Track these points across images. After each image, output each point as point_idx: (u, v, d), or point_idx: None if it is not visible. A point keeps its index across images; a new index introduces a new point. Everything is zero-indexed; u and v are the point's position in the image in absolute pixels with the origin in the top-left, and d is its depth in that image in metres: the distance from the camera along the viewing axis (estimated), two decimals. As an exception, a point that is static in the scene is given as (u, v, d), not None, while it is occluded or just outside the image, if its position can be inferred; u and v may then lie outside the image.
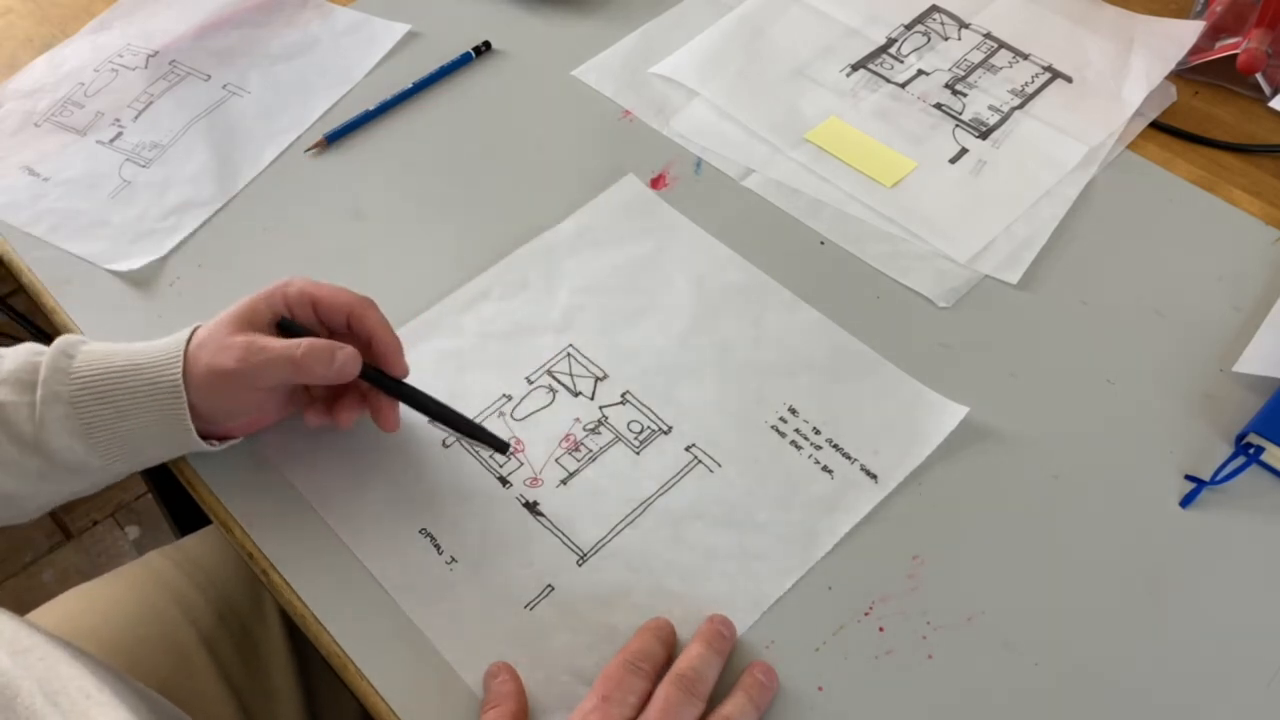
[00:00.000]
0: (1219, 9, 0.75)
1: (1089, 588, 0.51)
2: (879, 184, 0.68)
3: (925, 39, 0.78)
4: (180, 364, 0.51)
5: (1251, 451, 0.55)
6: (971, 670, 0.49)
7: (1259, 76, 0.73)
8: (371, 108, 0.74)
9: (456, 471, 0.56)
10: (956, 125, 0.72)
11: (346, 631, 0.51)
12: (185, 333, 0.53)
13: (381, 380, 0.54)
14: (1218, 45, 0.74)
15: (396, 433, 0.56)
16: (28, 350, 0.52)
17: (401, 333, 0.61)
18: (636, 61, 0.77)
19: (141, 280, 0.66)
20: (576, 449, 0.57)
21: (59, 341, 0.52)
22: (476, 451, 0.57)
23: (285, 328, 0.53)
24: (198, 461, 0.56)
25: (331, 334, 0.54)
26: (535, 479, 0.56)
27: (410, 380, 0.55)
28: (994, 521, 0.54)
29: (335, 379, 0.52)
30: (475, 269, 0.65)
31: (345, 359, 0.51)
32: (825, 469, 0.55)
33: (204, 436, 0.53)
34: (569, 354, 0.61)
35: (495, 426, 0.57)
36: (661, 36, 0.79)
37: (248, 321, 0.52)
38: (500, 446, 0.55)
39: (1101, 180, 0.69)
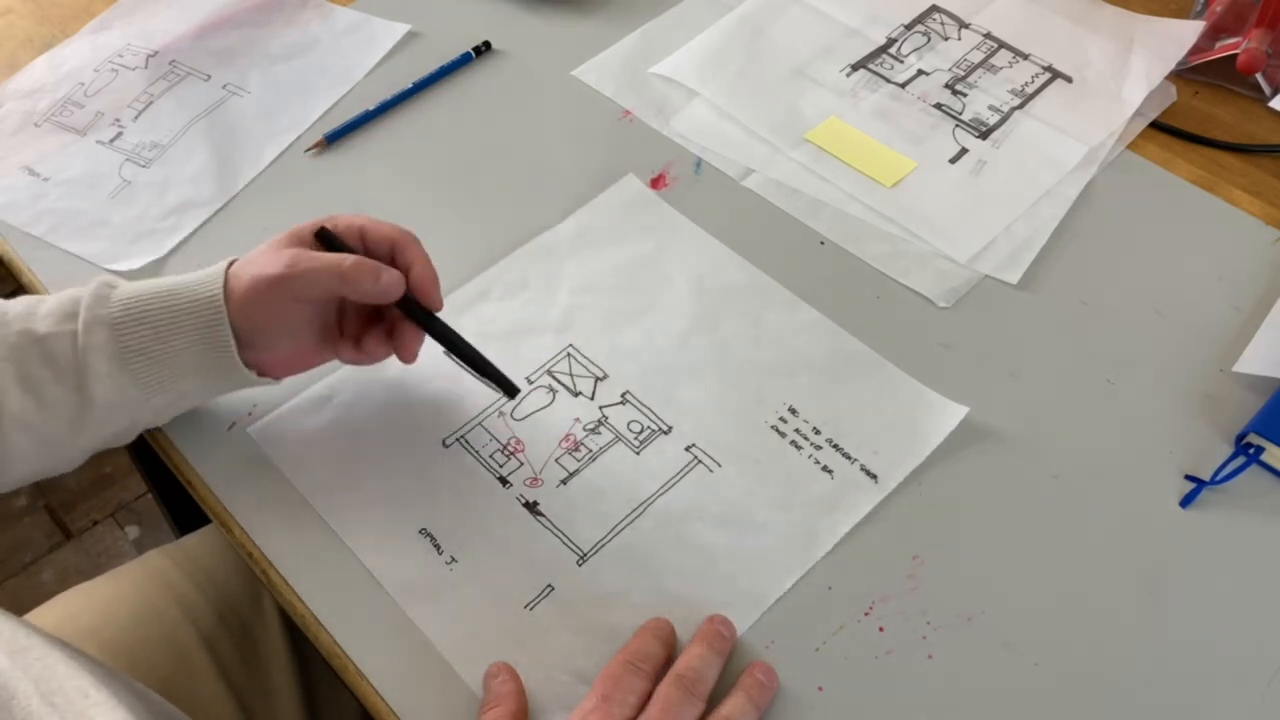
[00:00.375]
0: (1219, 9, 0.75)
1: (1089, 588, 0.51)
2: (879, 184, 0.68)
3: (925, 39, 0.78)
4: (221, 282, 0.52)
5: (1251, 451, 0.55)
6: (971, 670, 0.49)
7: (1259, 76, 0.73)
8: (371, 108, 0.74)
9: (456, 471, 0.56)
10: (956, 125, 0.72)
11: (346, 631, 0.51)
12: (223, 261, 0.54)
13: (414, 311, 0.54)
14: (1218, 45, 0.74)
15: (399, 428, 0.56)
16: (68, 291, 0.53)
17: (401, 332, 0.61)
18: (636, 61, 0.77)
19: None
20: (576, 449, 0.57)
21: (101, 276, 0.53)
22: (476, 451, 0.57)
23: (325, 239, 0.54)
24: (198, 461, 0.56)
25: None
26: (535, 479, 0.56)
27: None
28: (994, 521, 0.54)
29: (378, 297, 0.53)
30: (475, 269, 0.65)
31: (391, 279, 0.52)
32: (825, 469, 0.55)
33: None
34: (569, 354, 0.61)
35: (495, 426, 0.57)
36: (661, 36, 0.79)
37: (294, 238, 0.54)
38: (509, 390, 0.54)
39: (1101, 180, 0.69)
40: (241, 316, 0.52)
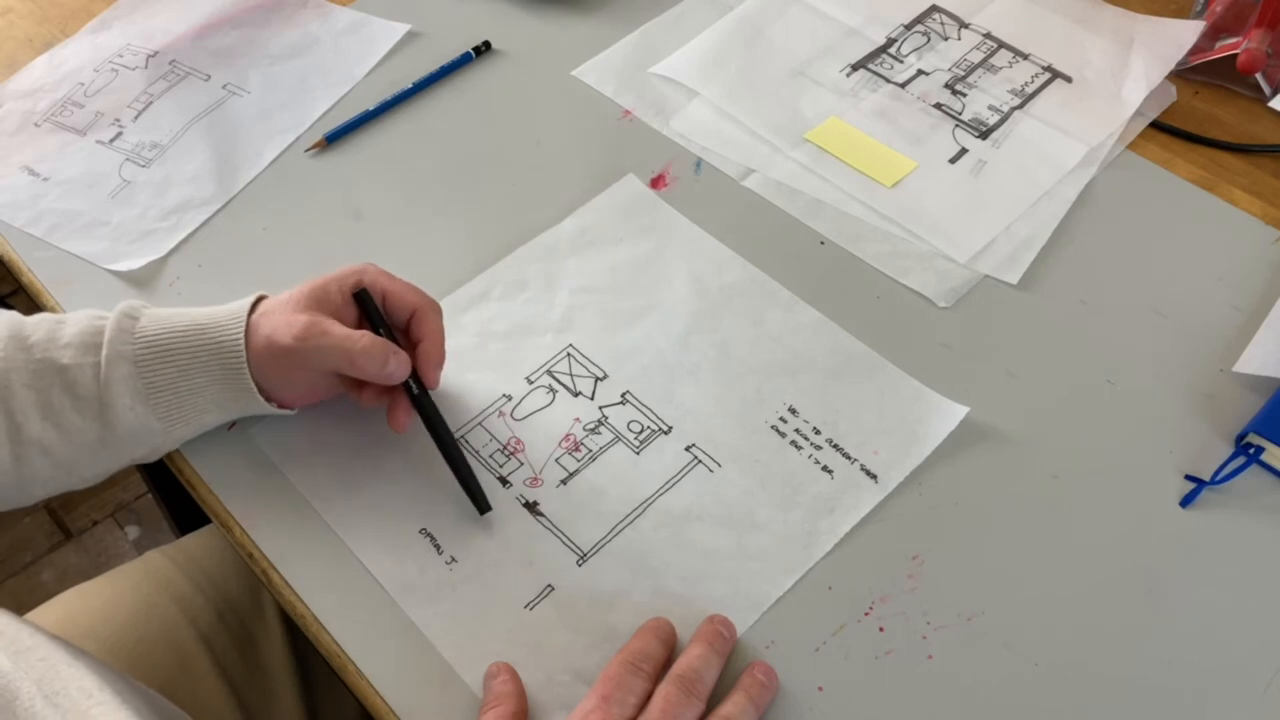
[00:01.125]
0: (1219, 9, 0.75)
1: (1089, 588, 0.51)
2: (879, 184, 0.68)
3: (925, 39, 0.78)
4: (243, 326, 0.52)
5: (1251, 451, 0.55)
6: (971, 670, 0.49)
7: (1259, 76, 0.73)
8: (371, 108, 0.74)
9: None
10: (956, 125, 0.72)
11: (346, 631, 0.51)
12: (250, 298, 0.54)
13: (410, 390, 0.54)
14: (1218, 45, 0.74)
15: (396, 433, 0.56)
16: (89, 315, 0.53)
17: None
18: (636, 61, 0.77)
19: (141, 280, 0.66)
20: (576, 449, 0.57)
21: (122, 305, 0.53)
22: (476, 451, 0.57)
23: (361, 300, 0.55)
24: (198, 461, 0.56)
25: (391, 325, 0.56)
26: (535, 479, 0.56)
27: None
28: (994, 521, 0.54)
29: (382, 381, 0.53)
30: (475, 269, 0.65)
31: (397, 365, 0.53)
32: (825, 469, 0.55)
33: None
34: (569, 354, 0.61)
35: (495, 426, 0.57)
36: (661, 36, 0.79)
37: (317, 301, 0.53)
38: (480, 507, 0.53)
39: (1101, 180, 0.69)
40: (258, 370, 0.53)
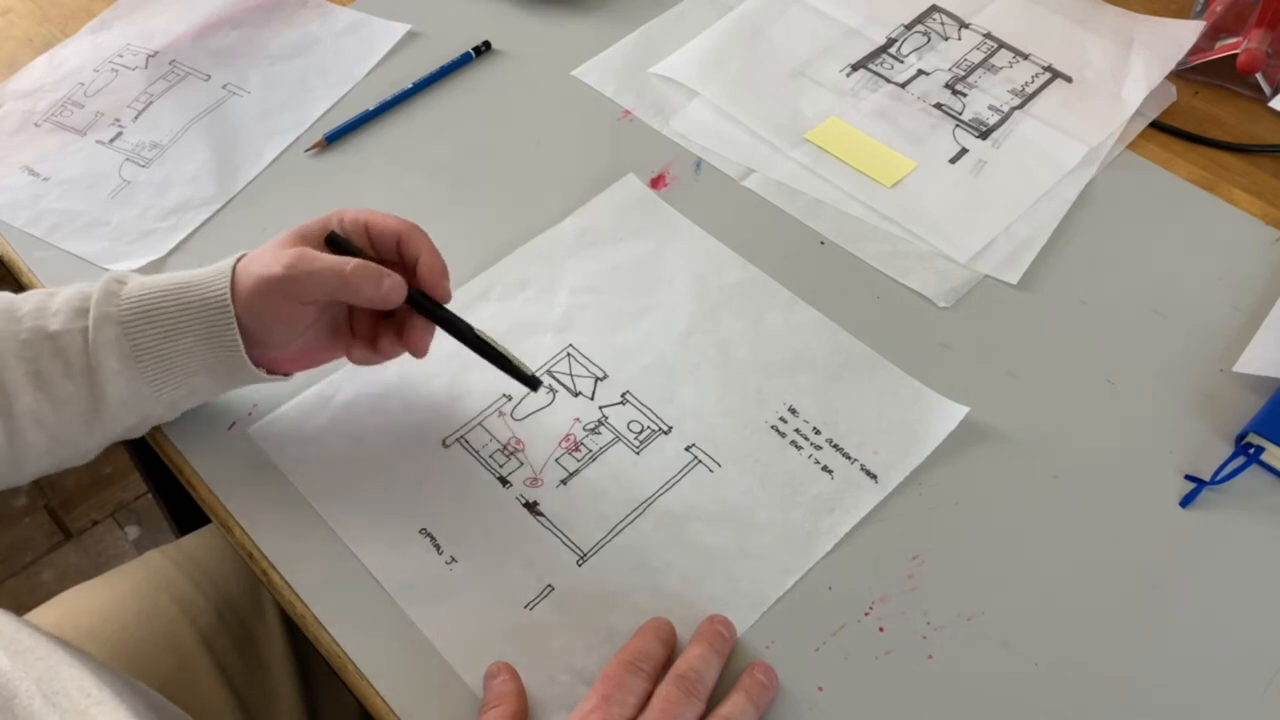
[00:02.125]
0: (1219, 9, 0.75)
1: (1089, 588, 0.51)
2: (879, 184, 0.68)
3: (925, 39, 0.78)
4: (228, 280, 0.52)
5: (1251, 451, 0.55)
6: (971, 670, 0.49)
7: (1259, 76, 0.73)
8: (371, 108, 0.74)
9: (456, 471, 0.56)
10: (956, 125, 0.72)
11: (346, 631, 0.51)
12: (233, 257, 0.54)
13: (423, 304, 0.54)
14: (1218, 45, 0.74)
15: (399, 428, 0.57)
16: (79, 286, 0.53)
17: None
18: (636, 61, 0.77)
19: (141, 280, 0.66)
20: (576, 449, 0.57)
21: (110, 273, 0.53)
22: (476, 451, 0.57)
23: (334, 242, 0.54)
24: (198, 461, 0.56)
25: (382, 261, 0.54)
26: (535, 479, 0.56)
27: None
28: (994, 521, 0.54)
29: (379, 302, 0.52)
30: (475, 269, 0.65)
31: (392, 284, 0.52)
32: (825, 469, 0.55)
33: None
34: (569, 354, 0.61)
35: (495, 426, 0.57)
36: (661, 36, 0.79)
37: (300, 237, 0.53)
38: (530, 383, 0.54)
39: (1101, 180, 0.69)
40: (248, 315, 0.52)
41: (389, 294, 0.52)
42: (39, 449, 0.52)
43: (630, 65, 0.77)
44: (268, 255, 0.52)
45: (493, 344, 0.54)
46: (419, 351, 0.54)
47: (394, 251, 0.55)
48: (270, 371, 0.55)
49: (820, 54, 0.77)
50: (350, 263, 0.51)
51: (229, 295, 0.51)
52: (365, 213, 0.55)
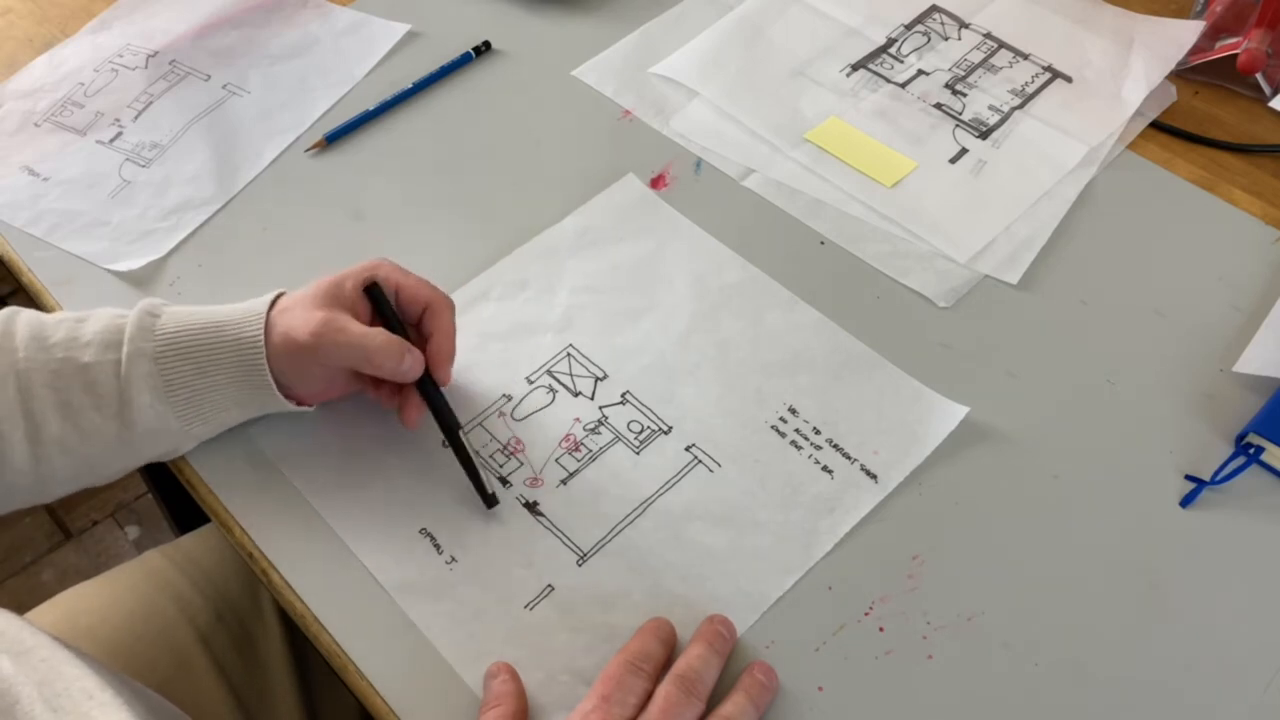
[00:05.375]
0: (1219, 9, 0.75)
1: (1089, 588, 0.51)
2: (879, 184, 0.68)
3: (925, 39, 0.78)
4: (262, 323, 0.53)
5: (1251, 451, 0.55)
6: (971, 670, 0.49)
7: (1259, 76, 0.73)
8: (371, 108, 0.74)
9: (456, 471, 0.56)
10: (956, 125, 0.72)
11: (346, 631, 0.51)
12: (269, 296, 0.54)
13: (424, 388, 0.54)
14: (1218, 45, 0.74)
15: (396, 432, 0.56)
16: (110, 314, 0.54)
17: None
18: (636, 61, 0.77)
19: (142, 280, 0.66)
20: (576, 449, 0.57)
21: (143, 303, 0.54)
22: (476, 451, 0.56)
23: (372, 294, 0.55)
24: (198, 461, 0.56)
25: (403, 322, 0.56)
26: (535, 479, 0.56)
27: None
28: (994, 521, 0.54)
29: (397, 379, 0.54)
30: (475, 269, 0.65)
31: (412, 362, 0.53)
32: (825, 469, 0.55)
33: None
34: (569, 354, 0.61)
35: (495, 426, 0.57)
36: (661, 36, 0.79)
37: (332, 297, 0.54)
38: (487, 502, 0.54)
39: (1101, 180, 0.69)
40: (276, 364, 0.53)
41: (407, 372, 0.53)
42: (64, 474, 0.53)
43: (630, 65, 0.77)
44: (299, 313, 0.53)
45: (469, 454, 0.54)
46: (408, 425, 0.55)
47: (416, 318, 0.56)
48: (298, 404, 0.55)
49: (820, 54, 0.77)
50: (376, 339, 0.52)
51: (263, 339, 0.52)
52: (399, 273, 0.55)
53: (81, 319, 0.53)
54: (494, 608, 0.51)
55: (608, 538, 0.53)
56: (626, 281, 0.64)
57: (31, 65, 0.79)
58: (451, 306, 0.56)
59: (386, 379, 0.55)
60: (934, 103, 0.74)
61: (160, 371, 0.52)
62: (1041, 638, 0.50)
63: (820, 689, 0.49)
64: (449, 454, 0.56)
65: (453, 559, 0.53)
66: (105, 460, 0.53)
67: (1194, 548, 0.53)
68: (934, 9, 0.80)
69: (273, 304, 0.54)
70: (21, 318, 0.53)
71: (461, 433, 0.55)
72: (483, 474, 0.54)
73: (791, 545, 0.53)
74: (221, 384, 0.53)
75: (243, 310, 0.54)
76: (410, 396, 0.55)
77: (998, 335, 0.61)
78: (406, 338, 0.54)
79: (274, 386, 0.53)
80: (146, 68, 0.78)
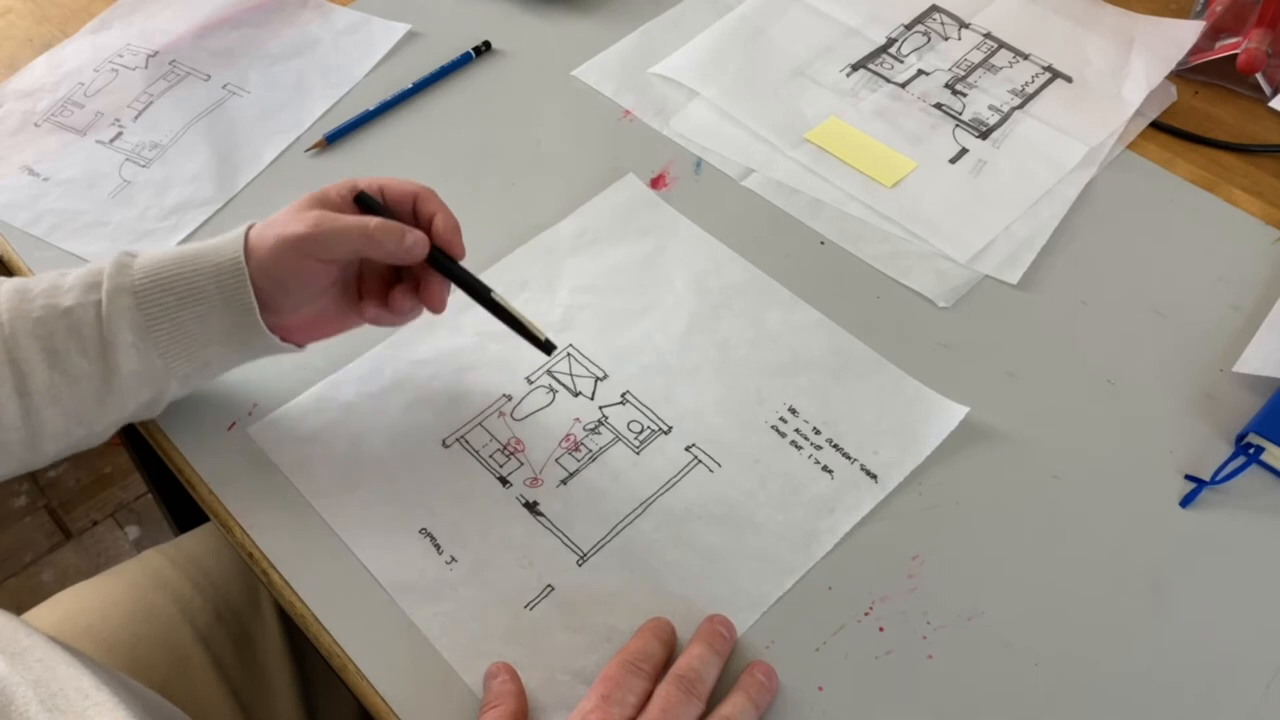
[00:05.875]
0: (1219, 9, 0.75)
1: (1089, 588, 0.51)
2: (879, 184, 0.68)
3: (925, 39, 0.78)
4: (241, 245, 0.52)
5: (1251, 451, 0.55)
6: (971, 670, 0.49)
7: (1259, 76, 0.73)
8: (371, 108, 0.74)
9: (456, 471, 0.56)
10: (956, 125, 0.72)
11: (346, 631, 0.51)
12: (243, 226, 0.54)
13: (442, 262, 0.54)
14: (1218, 45, 0.74)
15: (399, 428, 0.57)
16: (90, 264, 0.54)
17: (401, 331, 0.61)
18: (636, 61, 0.77)
19: (141, 280, 0.65)
20: (576, 449, 0.57)
21: (122, 247, 0.54)
22: (476, 451, 0.56)
23: (362, 201, 0.55)
24: (198, 461, 0.56)
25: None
26: (535, 479, 0.56)
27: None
28: (994, 521, 0.54)
29: (404, 258, 0.53)
30: (475, 269, 0.64)
31: (416, 239, 0.53)
32: (825, 469, 0.55)
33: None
34: (569, 354, 0.61)
35: (495, 426, 0.57)
36: (661, 36, 0.79)
37: (318, 201, 0.54)
38: (544, 347, 0.54)
39: (1101, 180, 0.69)
40: (264, 276, 0.52)
41: (413, 248, 0.53)
42: (55, 427, 0.52)
43: (630, 65, 0.77)
44: (286, 217, 0.53)
45: (507, 307, 0.54)
46: (437, 307, 0.55)
47: (410, 214, 0.55)
48: (283, 339, 0.55)
49: (820, 54, 0.77)
50: (373, 221, 0.52)
51: (243, 258, 0.52)
52: (379, 179, 0.56)
53: (63, 272, 0.53)
54: (494, 608, 0.51)
55: (608, 538, 0.53)
56: (626, 281, 0.64)
57: (31, 65, 0.79)
58: (435, 192, 0.56)
59: (391, 261, 0.54)
60: (934, 103, 0.74)
61: (139, 305, 0.51)
62: (1041, 638, 0.50)
63: (820, 689, 0.48)
64: (449, 454, 0.56)
65: (453, 559, 0.53)
66: (93, 410, 0.52)
67: (1194, 548, 0.53)
68: (934, 9, 0.80)
69: (248, 228, 0.54)
70: (7, 282, 0.53)
71: (493, 293, 0.54)
72: (529, 323, 0.54)
73: (791, 545, 0.53)
74: (202, 313, 0.52)
75: (219, 239, 0.53)
76: (430, 279, 0.54)
77: (998, 335, 0.61)
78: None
79: (255, 307, 0.52)
80: (146, 68, 0.78)
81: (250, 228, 0.54)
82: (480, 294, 0.54)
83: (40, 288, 0.52)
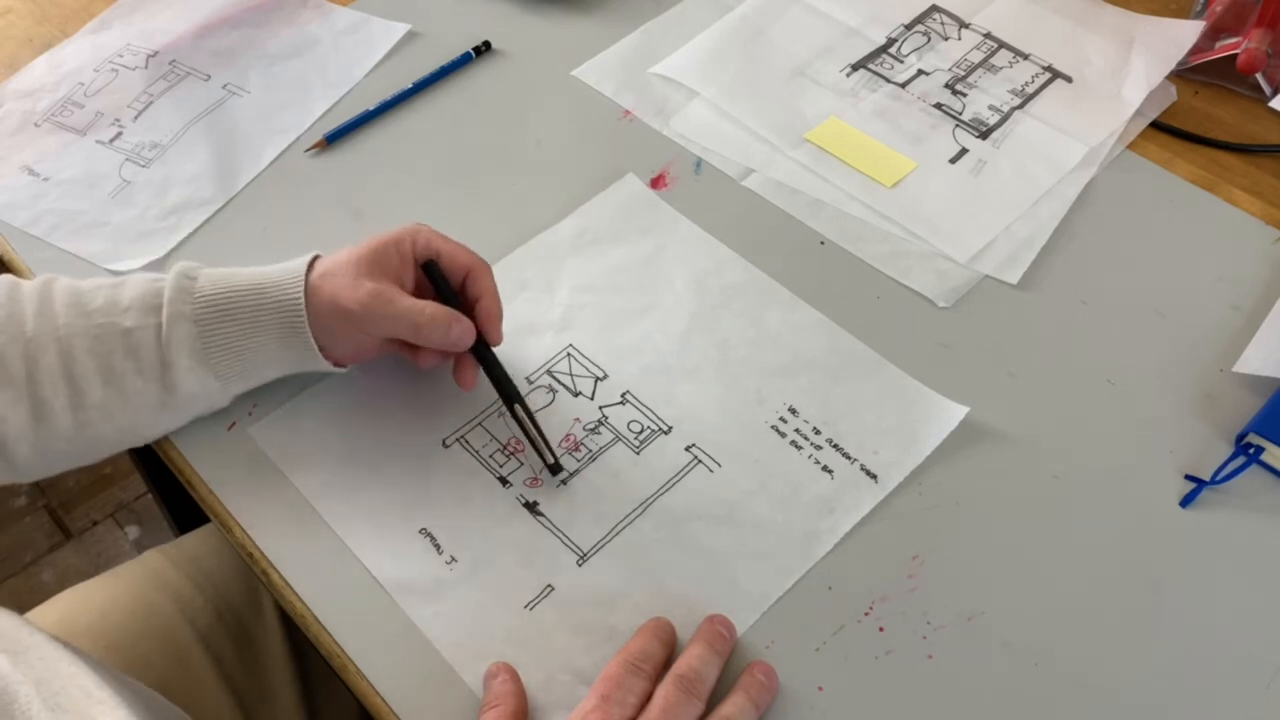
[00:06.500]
0: (1219, 9, 0.75)
1: (1089, 588, 0.51)
2: (879, 184, 0.68)
3: (925, 39, 0.78)
4: (302, 286, 0.53)
5: (1251, 451, 0.55)
6: (971, 670, 0.49)
7: (1259, 76, 0.73)
8: (371, 108, 0.74)
9: (456, 471, 0.56)
10: (956, 125, 0.72)
11: (346, 631, 0.51)
12: (305, 259, 0.55)
13: (480, 353, 0.55)
14: (1218, 45, 0.74)
15: (399, 428, 0.57)
16: (146, 278, 0.54)
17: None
18: (636, 61, 0.77)
19: (141, 280, 0.65)
20: (576, 449, 0.57)
21: (179, 265, 0.55)
22: (476, 451, 0.57)
23: (430, 272, 0.56)
24: (198, 461, 0.56)
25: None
26: (535, 479, 0.56)
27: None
28: (994, 521, 0.54)
29: (448, 349, 0.55)
30: (475, 269, 0.65)
31: (461, 332, 0.54)
32: (825, 469, 0.55)
33: None
34: (569, 354, 0.61)
35: (495, 426, 0.57)
36: (661, 36, 0.79)
37: (378, 266, 0.54)
38: (551, 468, 0.55)
39: (1101, 180, 0.69)
40: (317, 325, 0.54)
41: (457, 342, 0.54)
42: (108, 438, 0.54)
43: (630, 65, 0.77)
44: (346, 280, 0.53)
45: (530, 422, 0.55)
46: (465, 386, 0.56)
47: (459, 283, 0.57)
48: (335, 364, 0.56)
49: (820, 54, 0.77)
50: (426, 312, 0.53)
51: (303, 302, 0.53)
52: (438, 239, 0.56)
53: (117, 284, 0.54)
54: (494, 608, 0.51)
55: (608, 538, 0.53)
56: (626, 281, 0.64)
57: (31, 65, 0.79)
58: (490, 270, 0.57)
59: (436, 349, 0.56)
60: (934, 103, 0.74)
61: (200, 334, 0.53)
62: (1041, 638, 0.50)
63: (820, 689, 0.48)
64: (449, 454, 0.56)
65: (453, 559, 0.53)
66: (148, 422, 0.54)
67: (1194, 548, 0.53)
68: (934, 9, 0.80)
69: (310, 266, 0.55)
70: (58, 285, 0.54)
71: (517, 405, 0.55)
72: (546, 443, 0.55)
73: (791, 545, 0.53)
74: (262, 344, 0.54)
75: (280, 272, 0.54)
76: (464, 357, 0.56)
77: (998, 335, 0.61)
78: (458, 308, 0.55)
79: (316, 349, 0.54)
80: (146, 68, 0.78)
81: (312, 264, 0.54)
82: (507, 399, 0.55)
83: (97, 303, 0.53)
